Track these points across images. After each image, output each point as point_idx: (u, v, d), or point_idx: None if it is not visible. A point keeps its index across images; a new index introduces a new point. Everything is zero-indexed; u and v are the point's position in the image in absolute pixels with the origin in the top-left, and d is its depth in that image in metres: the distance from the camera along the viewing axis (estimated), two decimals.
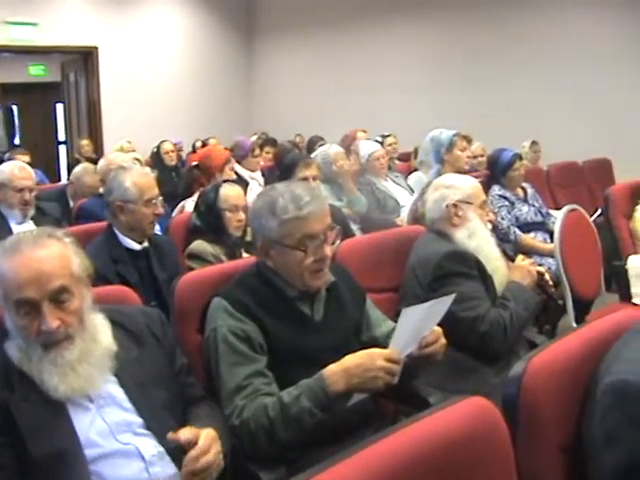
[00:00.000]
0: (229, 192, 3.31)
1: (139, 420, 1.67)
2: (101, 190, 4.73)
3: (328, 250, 2.05)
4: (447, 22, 8.25)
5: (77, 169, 5.10)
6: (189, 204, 3.96)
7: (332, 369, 1.83)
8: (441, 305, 1.95)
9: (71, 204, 4.89)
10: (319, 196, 2.09)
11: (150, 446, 1.64)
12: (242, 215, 3.26)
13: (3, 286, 1.59)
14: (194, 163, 4.43)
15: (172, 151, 7.38)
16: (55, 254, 1.63)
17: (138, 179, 2.99)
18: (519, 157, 4.71)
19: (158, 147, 7.41)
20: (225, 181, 3.53)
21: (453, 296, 2.01)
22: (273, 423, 1.82)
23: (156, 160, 7.31)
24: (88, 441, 1.58)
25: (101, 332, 1.70)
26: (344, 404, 1.84)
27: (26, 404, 1.56)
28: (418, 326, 1.91)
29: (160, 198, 3.08)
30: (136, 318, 1.86)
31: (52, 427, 1.56)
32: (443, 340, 2.03)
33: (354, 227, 4.49)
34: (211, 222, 3.27)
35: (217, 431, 1.65)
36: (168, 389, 1.78)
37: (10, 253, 1.61)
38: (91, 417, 1.62)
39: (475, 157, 5.83)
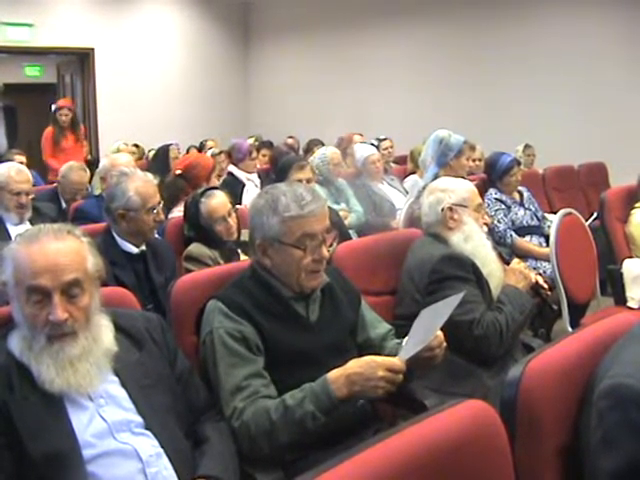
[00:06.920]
0: (212, 204, 3.25)
1: (139, 419, 1.67)
2: (97, 191, 4.76)
3: (326, 251, 2.07)
4: (443, 25, 8.26)
5: (63, 168, 5.09)
6: (175, 215, 3.86)
7: (336, 374, 1.84)
8: (447, 306, 1.95)
9: (63, 205, 4.88)
10: (320, 197, 2.11)
11: (148, 446, 1.64)
12: (232, 221, 3.25)
13: (17, 272, 1.60)
14: (178, 171, 4.32)
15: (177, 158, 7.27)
16: (73, 249, 1.66)
17: (141, 187, 2.96)
18: (517, 163, 4.72)
19: (167, 151, 7.21)
20: (204, 191, 3.38)
21: (461, 295, 2.00)
22: (275, 426, 1.83)
23: (160, 163, 7.17)
24: (86, 440, 1.58)
25: (104, 333, 1.71)
26: (347, 408, 1.86)
27: (25, 404, 1.56)
28: (426, 327, 1.92)
29: (161, 205, 3.06)
30: (137, 322, 1.86)
31: (50, 427, 1.56)
32: (444, 344, 2.04)
33: (350, 231, 4.50)
34: (202, 234, 3.26)
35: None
36: (169, 393, 1.78)
37: (29, 242, 1.63)
38: (89, 416, 1.62)
39: (474, 161, 5.83)
